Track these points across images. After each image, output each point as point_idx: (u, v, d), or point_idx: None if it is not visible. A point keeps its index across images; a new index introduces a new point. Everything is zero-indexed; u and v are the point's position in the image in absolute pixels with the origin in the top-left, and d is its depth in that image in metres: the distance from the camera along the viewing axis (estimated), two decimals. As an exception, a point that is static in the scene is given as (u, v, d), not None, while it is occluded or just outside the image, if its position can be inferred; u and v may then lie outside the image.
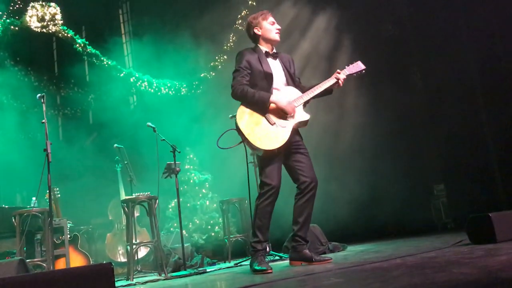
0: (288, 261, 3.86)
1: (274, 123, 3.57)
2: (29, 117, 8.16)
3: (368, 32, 7.80)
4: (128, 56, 10.65)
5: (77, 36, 8.52)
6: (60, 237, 5.47)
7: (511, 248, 2.90)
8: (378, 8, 7.71)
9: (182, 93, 9.03)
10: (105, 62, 8.61)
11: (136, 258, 5.50)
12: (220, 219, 7.43)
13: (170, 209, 7.82)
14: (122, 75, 8.78)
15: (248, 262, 4.52)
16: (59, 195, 6.06)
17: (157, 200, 5.43)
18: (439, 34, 6.89)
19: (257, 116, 3.59)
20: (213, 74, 8.89)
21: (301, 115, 3.67)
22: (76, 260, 5.69)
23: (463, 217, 3.85)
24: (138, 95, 9.83)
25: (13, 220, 4.97)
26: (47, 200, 4.71)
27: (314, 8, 7.91)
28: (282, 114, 3.59)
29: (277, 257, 4.98)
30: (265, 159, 3.60)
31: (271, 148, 3.50)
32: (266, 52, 3.82)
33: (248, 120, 3.57)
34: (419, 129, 7.86)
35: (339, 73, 3.80)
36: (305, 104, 3.74)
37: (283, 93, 3.70)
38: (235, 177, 6.46)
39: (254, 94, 3.57)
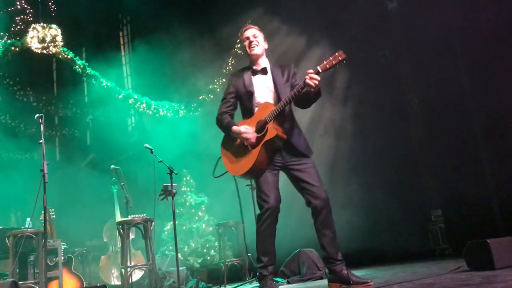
0: (327, 283, 3.62)
1: (249, 146, 3.52)
2: (26, 137, 8.17)
3: (364, 58, 7.87)
4: (128, 78, 10.74)
5: (77, 57, 8.59)
6: (54, 259, 5.39)
7: (508, 276, 2.87)
8: (374, 35, 7.81)
9: (181, 115, 9.06)
10: (104, 84, 8.66)
11: (130, 281, 5.42)
12: (216, 242, 7.37)
13: (166, 232, 7.75)
14: (121, 96, 8.82)
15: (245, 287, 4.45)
16: (54, 216, 6.01)
17: (153, 223, 5.39)
18: (436, 60, 6.96)
19: (236, 142, 3.62)
20: (212, 96, 8.93)
21: (270, 133, 3.43)
22: (69, 282, 5.60)
23: (461, 243, 3.82)
24: (136, 116, 9.88)
25: (7, 241, 4.92)
26: (42, 221, 4.67)
27: (309, 37, 7.99)
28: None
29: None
30: (258, 179, 3.54)
31: (241, 174, 3.54)
32: (253, 69, 3.71)
33: (227, 148, 3.69)
34: (416, 154, 7.87)
35: (311, 72, 3.37)
36: (279, 115, 3.45)
37: (258, 111, 3.57)
38: (232, 200, 6.44)
39: (222, 122, 3.69)
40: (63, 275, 5.38)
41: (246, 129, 3.52)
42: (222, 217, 7.11)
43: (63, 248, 5.63)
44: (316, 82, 3.33)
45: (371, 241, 7.06)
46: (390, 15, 8.00)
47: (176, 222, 5.40)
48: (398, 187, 7.39)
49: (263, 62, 3.74)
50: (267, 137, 3.44)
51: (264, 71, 3.68)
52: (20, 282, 4.33)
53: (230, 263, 6.15)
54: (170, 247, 7.37)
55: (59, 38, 8.36)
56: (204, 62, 8.91)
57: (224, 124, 3.66)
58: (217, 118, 3.74)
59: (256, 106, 3.59)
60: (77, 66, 8.50)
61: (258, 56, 3.71)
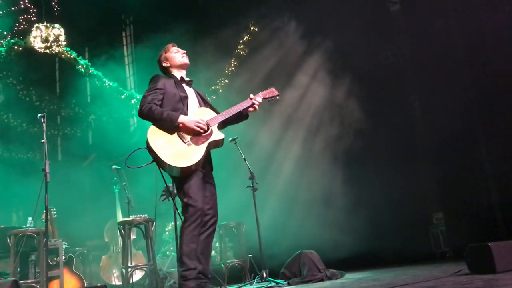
0: None
1: (188, 141, 3.39)
2: (28, 136, 8.18)
3: (366, 61, 7.87)
4: (130, 78, 10.74)
5: (80, 57, 8.61)
6: (55, 259, 5.40)
7: (510, 279, 2.87)
8: (376, 37, 7.81)
9: (183, 115, 9.04)
10: (106, 84, 8.67)
11: (131, 281, 5.43)
12: (217, 243, 7.36)
13: (167, 232, 7.75)
14: (123, 96, 8.83)
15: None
16: (55, 216, 6.02)
17: (154, 223, 5.39)
18: (438, 62, 6.96)
19: (169, 135, 3.40)
20: (214, 97, 8.94)
21: (216, 135, 3.49)
22: (70, 282, 5.60)
23: (462, 246, 3.82)
24: (138, 116, 9.87)
25: (8, 240, 4.92)
26: (43, 220, 4.67)
27: (311, 38, 7.99)
28: (195, 132, 3.42)
29: (273, 283, 4.92)
30: (185, 178, 3.35)
31: (186, 165, 3.27)
32: (181, 77, 3.78)
33: (160, 138, 3.39)
34: (418, 157, 7.85)
35: (252, 98, 3.75)
36: (221, 125, 3.62)
37: (196, 113, 3.57)
38: (233, 201, 6.43)
39: (162, 112, 3.41)
40: (64, 275, 5.38)
41: (200, 118, 3.44)
42: (223, 218, 7.08)
43: (64, 247, 5.63)
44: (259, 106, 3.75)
45: (372, 244, 7.06)
46: (392, 17, 8.01)
47: (178, 222, 5.40)
48: (399, 189, 7.39)
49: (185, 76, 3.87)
50: (215, 137, 3.48)
51: (189, 83, 3.82)
52: (21, 281, 4.34)
53: (230, 264, 6.15)
54: (171, 248, 7.37)
55: (62, 37, 8.38)
56: (206, 63, 8.92)
57: (164, 115, 3.39)
58: (145, 106, 3.45)
59: (188, 111, 3.58)
60: (80, 66, 8.52)
61: (187, 66, 3.87)
